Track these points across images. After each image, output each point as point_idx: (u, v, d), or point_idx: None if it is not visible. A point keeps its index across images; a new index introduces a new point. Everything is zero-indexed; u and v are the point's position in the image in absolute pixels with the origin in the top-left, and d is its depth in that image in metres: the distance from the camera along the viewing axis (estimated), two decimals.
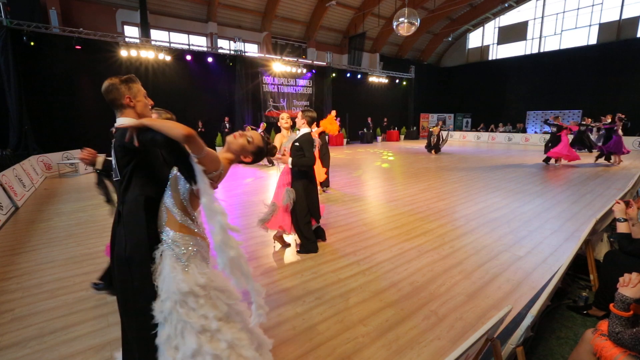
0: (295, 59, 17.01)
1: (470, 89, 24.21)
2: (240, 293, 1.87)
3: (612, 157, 10.34)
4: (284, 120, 4.03)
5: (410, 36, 17.47)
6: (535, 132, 20.29)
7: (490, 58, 23.69)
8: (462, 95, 24.88)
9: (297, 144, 3.52)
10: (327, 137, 6.81)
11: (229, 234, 1.50)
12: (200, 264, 1.62)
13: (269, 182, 7.95)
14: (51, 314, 2.57)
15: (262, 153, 1.76)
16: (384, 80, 20.98)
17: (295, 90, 17.49)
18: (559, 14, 20.01)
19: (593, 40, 18.88)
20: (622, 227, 2.36)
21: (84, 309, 2.63)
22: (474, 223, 4.72)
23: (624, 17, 17.77)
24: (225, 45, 15.77)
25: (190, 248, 1.60)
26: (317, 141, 6.00)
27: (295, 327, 2.39)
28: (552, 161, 10.54)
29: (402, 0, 14.17)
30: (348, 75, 18.98)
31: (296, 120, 3.74)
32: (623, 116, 10.44)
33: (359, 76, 19.59)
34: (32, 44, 10.27)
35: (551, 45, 20.56)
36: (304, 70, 17.19)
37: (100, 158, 2.14)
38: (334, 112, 5.62)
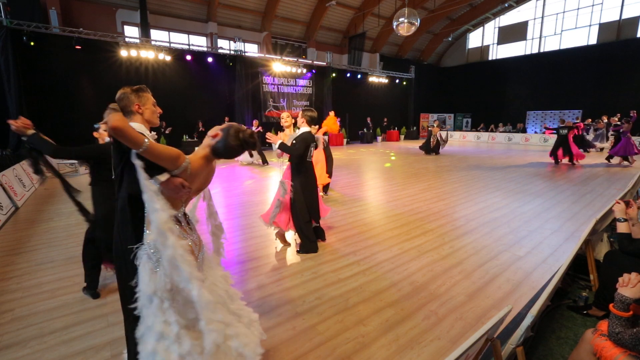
0: (295, 59, 17.01)
1: (470, 89, 24.19)
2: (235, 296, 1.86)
3: (629, 157, 10.25)
4: (284, 119, 4.09)
5: (410, 36, 17.46)
6: (535, 132, 20.28)
7: (490, 58, 23.68)
8: (462, 95, 24.85)
9: (294, 141, 3.60)
10: (326, 138, 6.81)
11: (166, 233, 1.47)
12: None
13: (269, 182, 7.95)
14: (51, 314, 2.57)
15: (231, 148, 1.65)
16: (384, 80, 20.97)
17: (295, 90, 17.49)
18: (559, 14, 20.00)
19: (593, 40, 18.87)
20: (622, 227, 2.36)
21: (84, 309, 2.63)
22: (474, 223, 4.72)
23: (624, 17, 17.77)
24: (225, 45, 15.76)
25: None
26: (322, 139, 6.03)
27: (295, 327, 2.39)
28: (565, 160, 10.49)
29: (402, 0, 14.17)
30: (348, 75, 18.97)
31: (297, 119, 3.83)
32: (634, 114, 10.34)
33: (359, 76, 19.58)
34: (32, 44, 10.28)
35: (551, 45, 20.55)
36: (304, 70, 17.19)
37: (31, 131, 2.34)
38: (332, 113, 5.73)
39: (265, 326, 2.38)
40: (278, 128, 14.88)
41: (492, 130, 21.48)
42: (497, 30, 23.14)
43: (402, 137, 22.40)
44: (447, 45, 25.72)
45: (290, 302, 2.72)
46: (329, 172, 6.42)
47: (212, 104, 14.64)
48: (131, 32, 14.01)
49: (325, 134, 6.36)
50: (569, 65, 19.30)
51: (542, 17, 20.70)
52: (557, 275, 2.06)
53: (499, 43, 23.13)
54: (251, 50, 16.82)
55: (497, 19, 22.81)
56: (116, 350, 2.15)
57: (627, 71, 17.36)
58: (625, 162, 10.26)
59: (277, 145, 3.50)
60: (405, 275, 3.16)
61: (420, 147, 14.05)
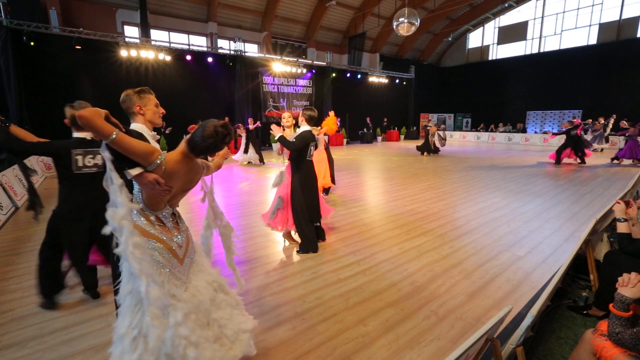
0: (295, 59, 17.01)
1: (470, 89, 24.19)
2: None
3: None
4: (285, 119, 4.14)
5: (410, 36, 17.46)
6: (535, 132, 20.28)
7: (490, 58, 23.68)
8: (462, 95, 24.85)
9: (293, 139, 3.63)
10: (326, 138, 6.78)
11: (121, 229, 1.46)
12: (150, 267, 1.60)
13: (269, 182, 7.94)
14: (51, 314, 2.57)
15: (203, 138, 1.58)
16: (384, 80, 20.97)
17: (295, 90, 17.49)
18: (559, 14, 20.00)
19: (593, 40, 18.87)
20: (622, 227, 2.36)
21: (84, 309, 2.64)
22: (474, 223, 4.72)
23: (624, 17, 17.76)
24: (225, 45, 15.76)
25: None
26: (322, 139, 6.02)
27: (295, 327, 2.39)
28: (570, 160, 10.56)
29: (402, 0, 14.16)
30: (348, 75, 18.96)
31: (298, 119, 3.90)
32: None
33: (359, 76, 19.58)
34: (32, 44, 10.27)
35: (551, 45, 20.55)
36: (304, 70, 17.19)
37: None
38: (332, 113, 5.73)
39: (265, 326, 2.38)
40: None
41: (492, 130, 21.48)
42: (497, 30, 23.14)
43: (402, 137, 22.40)
44: (447, 45, 25.72)
45: (290, 302, 2.72)
46: (332, 176, 6.33)
47: (212, 104, 14.64)
48: (131, 32, 14.01)
49: (326, 135, 6.33)
50: (569, 65, 19.30)
51: (542, 17, 20.70)
52: (557, 275, 2.06)
53: (499, 43, 23.13)
54: (251, 50, 16.82)
55: (497, 19, 22.81)
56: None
57: (627, 71, 17.35)
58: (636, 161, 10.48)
59: (277, 137, 3.53)
60: (405, 275, 3.16)
61: (418, 148, 13.56)
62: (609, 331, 1.55)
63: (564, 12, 19.80)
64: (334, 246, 3.91)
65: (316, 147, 4.26)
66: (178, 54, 13.26)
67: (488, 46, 23.74)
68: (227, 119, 13.67)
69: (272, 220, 3.83)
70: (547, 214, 5.13)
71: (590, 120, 13.88)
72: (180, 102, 13.25)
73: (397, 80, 22.13)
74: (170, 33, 15.02)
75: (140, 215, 1.64)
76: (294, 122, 4.20)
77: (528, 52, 21.58)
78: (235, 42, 15.28)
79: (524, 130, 20.82)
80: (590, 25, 18.95)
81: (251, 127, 10.71)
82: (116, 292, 1.63)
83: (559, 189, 6.96)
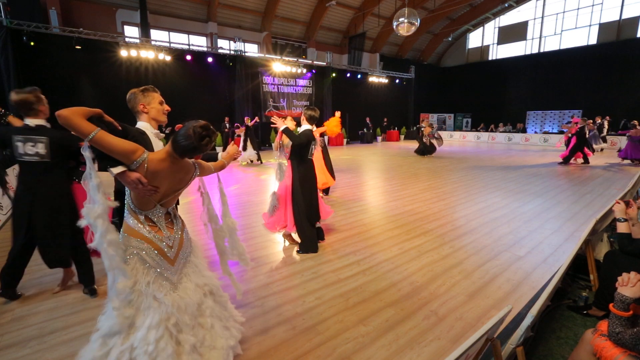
0: (295, 59, 17.01)
1: (470, 89, 24.20)
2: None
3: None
4: (289, 120, 4.18)
5: (410, 36, 17.46)
6: (536, 132, 20.28)
7: (490, 58, 23.68)
8: (462, 95, 24.86)
9: None
10: (326, 138, 6.75)
11: (96, 225, 1.48)
12: (140, 267, 1.61)
13: (269, 182, 7.95)
14: (51, 314, 2.57)
15: (188, 136, 1.52)
16: (384, 80, 20.97)
17: (295, 90, 17.49)
18: (559, 14, 20.00)
19: (593, 40, 18.87)
20: (622, 227, 2.36)
21: (84, 309, 2.63)
22: (474, 223, 4.72)
23: (624, 17, 17.77)
24: (225, 45, 15.76)
25: (129, 249, 1.62)
26: (318, 140, 6.00)
27: (295, 327, 2.39)
28: (579, 160, 10.58)
29: (402, 0, 14.16)
30: (348, 75, 18.96)
31: (300, 119, 3.93)
32: None
33: (359, 76, 19.58)
34: (32, 44, 10.27)
35: (551, 45, 20.56)
36: (304, 70, 17.19)
37: None
38: (338, 114, 5.41)
39: (265, 326, 2.38)
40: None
41: (492, 130, 21.48)
42: (497, 30, 23.14)
43: (402, 137, 22.40)
44: (447, 45, 25.72)
45: (290, 302, 2.72)
46: (331, 172, 6.33)
47: (212, 104, 14.63)
48: (131, 32, 14.02)
49: (322, 135, 6.30)
50: (569, 65, 19.31)
51: (542, 17, 20.70)
52: (557, 275, 2.06)
53: (499, 43, 23.14)
54: (251, 50, 16.82)
55: (497, 19, 22.82)
56: None
57: (627, 71, 17.36)
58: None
59: (282, 128, 3.53)
60: (405, 275, 3.16)
61: (416, 151, 13.47)
62: (609, 331, 1.55)
63: (564, 12, 19.81)
64: (334, 246, 3.91)
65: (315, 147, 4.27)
66: (178, 54, 13.26)
67: (488, 46, 23.75)
68: (227, 119, 13.74)
69: (270, 220, 3.84)
70: (547, 214, 5.13)
71: (591, 120, 13.88)
72: (180, 102, 13.21)
73: (397, 80, 22.13)
74: (170, 33, 15.02)
75: (129, 214, 1.64)
76: (294, 124, 4.26)
77: (528, 52, 21.59)
78: (235, 42, 15.28)
79: (524, 130, 20.82)
80: (590, 25, 18.95)
81: (250, 123, 10.63)
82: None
83: (559, 189, 6.96)
